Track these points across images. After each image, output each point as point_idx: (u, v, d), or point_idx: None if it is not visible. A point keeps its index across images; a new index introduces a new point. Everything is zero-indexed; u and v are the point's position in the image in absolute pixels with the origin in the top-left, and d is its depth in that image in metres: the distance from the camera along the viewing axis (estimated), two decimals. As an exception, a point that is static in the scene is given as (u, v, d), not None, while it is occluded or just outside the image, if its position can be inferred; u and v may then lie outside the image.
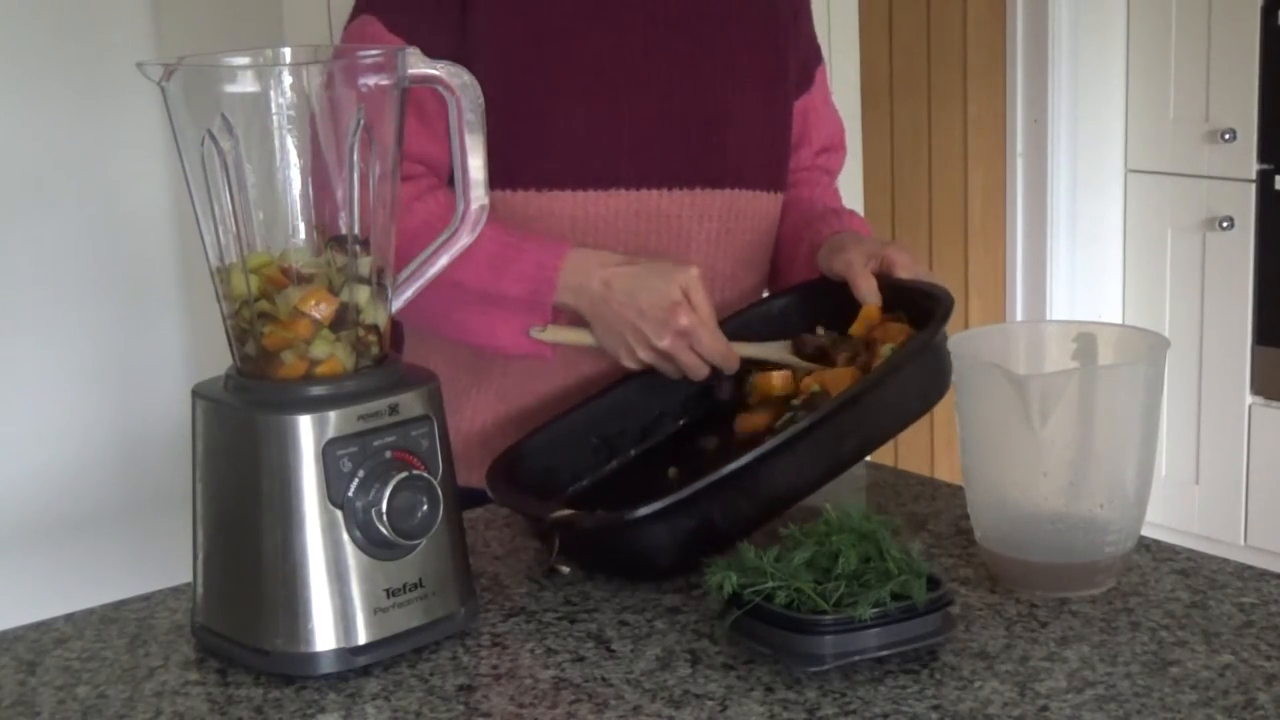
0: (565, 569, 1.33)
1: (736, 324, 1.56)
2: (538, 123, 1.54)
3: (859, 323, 1.50)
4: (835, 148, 1.83)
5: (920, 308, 1.46)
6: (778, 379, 1.49)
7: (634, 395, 1.52)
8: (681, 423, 1.53)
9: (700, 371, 1.48)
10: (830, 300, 1.56)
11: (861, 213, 3.24)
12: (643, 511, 1.26)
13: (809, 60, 1.76)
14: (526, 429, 1.55)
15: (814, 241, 1.64)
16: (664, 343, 1.46)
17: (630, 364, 1.50)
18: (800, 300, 1.61)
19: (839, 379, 1.44)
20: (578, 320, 1.52)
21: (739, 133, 1.63)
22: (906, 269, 1.53)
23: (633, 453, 1.50)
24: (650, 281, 1.47)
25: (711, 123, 1.61)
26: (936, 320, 1.41)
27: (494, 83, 1.50)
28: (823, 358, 1.50)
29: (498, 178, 1.51)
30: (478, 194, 1.29)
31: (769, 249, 1.72)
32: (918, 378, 1.40)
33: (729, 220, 1.63)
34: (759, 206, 1.66)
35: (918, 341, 1.40)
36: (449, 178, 1.56)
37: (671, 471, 1.46)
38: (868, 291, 1.51)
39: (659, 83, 1.58)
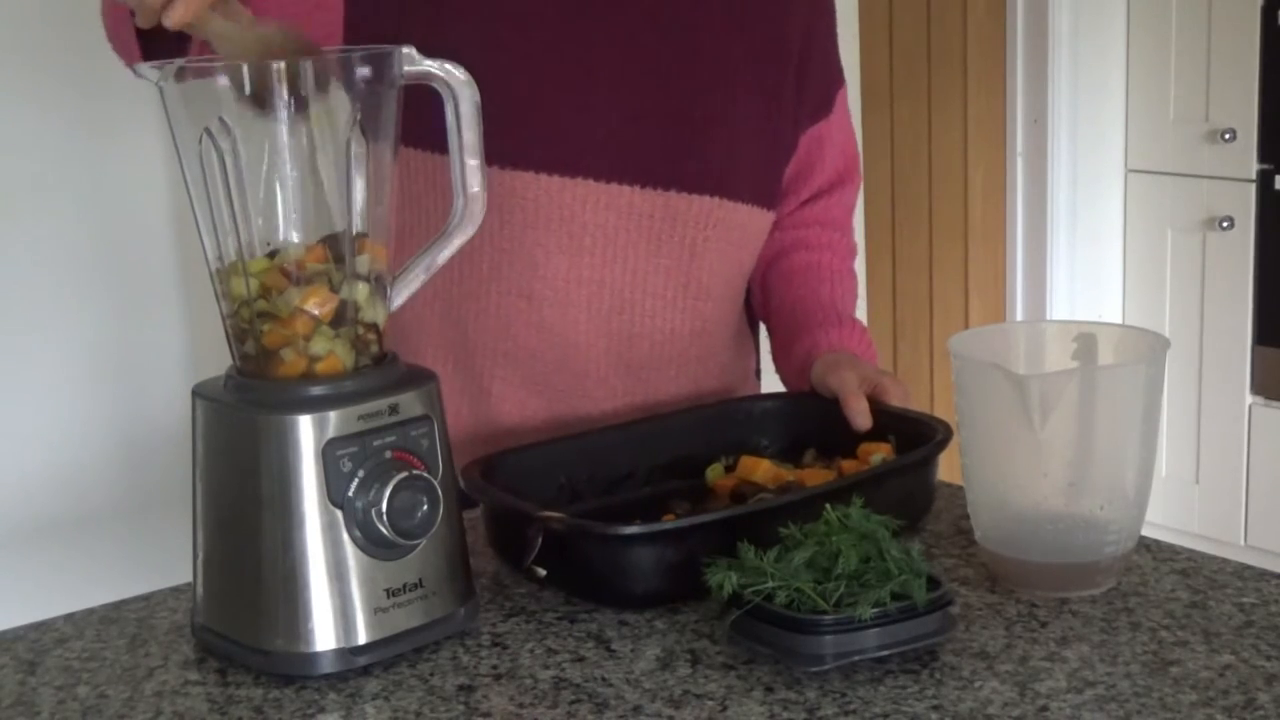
0: (542, 571, 1.31)
1: (713, 413, 1.57)
2: (507, 101, 1.51)
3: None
4: (844, 181, 1.78)
5: (911, 435, 1.47)
6: (761, 470, 1.49)
7: (608, 447, 1.50)
8: (646, 489, 1.50)
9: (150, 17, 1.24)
10: (815, 410, 1.57)
11: (862, 213, 3.26)
12: (633, 530, 1.26)
13: (830, 85, 1.72)
14: (504, 438, 1.55)
15: (811, 350, 1.64)
16: None
17: None
18: (785, 405, 1.62)
19: (816, 478, 1.46)
20: None
21: (722, 141, 1.59)
22: (898, 400, 1.54)
23: (594, 503, 1.46)
24: None
25: (694, 128, 1.58)
26: (934, 444, 1.43)
27: (469, 55, 1.46)
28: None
29: None
30: (475, 191, 1.29)
31: (749, 266, 1.70)
32: (901, 492, 1.40)
33: (705, 229, 1.59)
34: (740, 219, 1.63)
35: (912, 456, 1.43)
36: None
37: (635, 525, 1.44)
38: (858, 413, 1.52)
39: (641, 80, 1.56)
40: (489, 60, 1.48)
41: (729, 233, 1.62)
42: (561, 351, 1.59)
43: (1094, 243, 3.70)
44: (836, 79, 1.75)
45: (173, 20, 1.21)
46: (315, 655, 1.17)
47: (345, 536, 1.17)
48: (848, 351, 1.64)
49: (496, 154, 1.51)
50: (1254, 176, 3.45)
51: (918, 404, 1.60)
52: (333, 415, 1.16)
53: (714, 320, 1.66)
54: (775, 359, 1.74)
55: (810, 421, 1.57)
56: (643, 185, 1.56)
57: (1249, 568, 1.31)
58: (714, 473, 1.51)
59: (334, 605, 1.17)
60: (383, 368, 1.22)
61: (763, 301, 1.75)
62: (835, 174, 1.77)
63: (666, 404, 1.63)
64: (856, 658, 1.13)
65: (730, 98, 1.60)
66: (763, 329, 1.80)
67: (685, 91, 1.58)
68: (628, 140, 1.55)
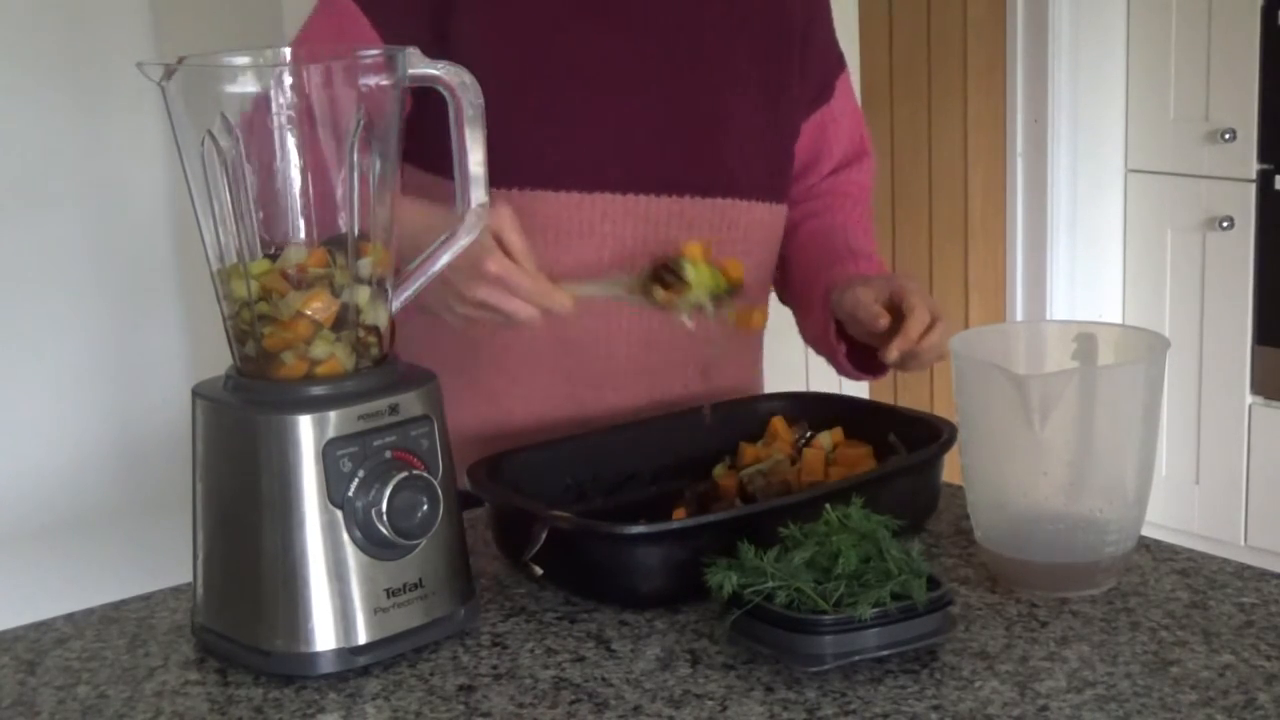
0: (539, 569, 1.31)
1: (716, 418, 1.56)
2: (518, 121, 1.51)
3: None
4: (858, 157, 1.78)
5: (917, 435, 1.47)
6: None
7: (614, 448, 1.49)
8: (652, 489, 1.50)
9: (524, 313, 1.38)
10: (819, 409, 1.57)
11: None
12: (637, 530, 1.26)
13: (828, 72, 1.73)
14: (513, 438, 1.55)
15: (829, 288, 1.63)
16: (478, 293, 1.37)
17: (456, 322, 1.42)
18: (790, 405, 1.61)
19: (813, 466, 1.46)
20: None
21: (732, 141, 1.60)
22: (918, 300, 1.50)
23: (599, 503, 1.46)
24: None
25: (703, 130, 1.58)
26: (940, 444, 1.43)
27: (480, 78, 1.48)
28: (666, 286, 1.44)
29: None
30: (478, 193, 1.29)
31: (769, 262, 1.69)
32: (906, 492, 1.40)
33: (720, 230, 1.60)
34: (754, 217, 1.63)
35: (917, 456, 1.43)
36: None
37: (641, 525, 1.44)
38: (875, 316, 1.50)
39: (648, 87, 1.56)
40: (502, 82, 1.49)
41: (744, 232, 1.63)
42: (581, 359, 1.59)
43: (1094, 242, 3.70)
44: (836, 65, 1.75)
45: (557, 303, 1.40)
46: (315, 655, 1.17)
47: (345, 536, 1.17)
48: (862, 274, 1.62)
49: (515, 176, 1.52)
50: (1254, 176, 3.45)
51: (918, 404, 1.60)
52: (333, 415, 1.16)
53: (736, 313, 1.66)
54: (800, 327, 1.73)
55: (816, 421, 1.57)
56: (657, 194, 1.57)
57: (1249, 568, 1.32)
58: (719, 472, 1.51)
59: (334, 605, 1.17)
60: (383, 368, 1.22)
61: (781, 279, 1.75)
62: (843, 156, 1.77)
63: (680, 404, 1.63)
64: (856, 658, 1.13)
65: (736, 97, 1.60)
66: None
67: (692, 95, 1.58)
68: (641, 150, 1.56)
